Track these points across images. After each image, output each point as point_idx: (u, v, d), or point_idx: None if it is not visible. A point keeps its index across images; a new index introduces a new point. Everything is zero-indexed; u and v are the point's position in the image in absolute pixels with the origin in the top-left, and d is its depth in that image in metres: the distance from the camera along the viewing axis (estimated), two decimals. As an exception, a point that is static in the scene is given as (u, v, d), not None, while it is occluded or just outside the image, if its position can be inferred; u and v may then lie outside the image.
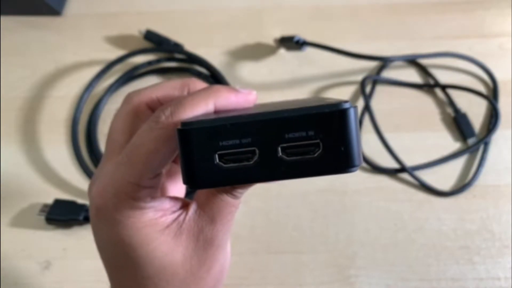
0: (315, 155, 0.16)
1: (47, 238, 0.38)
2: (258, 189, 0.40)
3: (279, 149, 0.16)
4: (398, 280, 0.36)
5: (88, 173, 0.39)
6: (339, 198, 0.40)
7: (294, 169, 0.16)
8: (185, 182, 0.17)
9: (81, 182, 0.40)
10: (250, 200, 0.39)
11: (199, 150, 0.16)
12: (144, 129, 0.19)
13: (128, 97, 0.23)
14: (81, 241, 0.38)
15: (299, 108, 0.16)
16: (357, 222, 0.38)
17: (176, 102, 0.19)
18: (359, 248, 0.37)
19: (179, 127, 0.16)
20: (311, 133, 0.15)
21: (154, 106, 0.23)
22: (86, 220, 0.38)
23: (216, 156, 0.16)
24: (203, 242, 0.21)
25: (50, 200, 0.38)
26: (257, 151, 0.16)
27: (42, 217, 0.37)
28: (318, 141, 0.15)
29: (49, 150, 0.42)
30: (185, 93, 0.23)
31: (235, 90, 0.20)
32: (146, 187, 0.20)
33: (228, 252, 0.24)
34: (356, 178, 0.40)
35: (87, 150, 0.42)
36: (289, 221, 0.38)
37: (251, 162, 0.16)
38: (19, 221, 0.39)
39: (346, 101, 0.15)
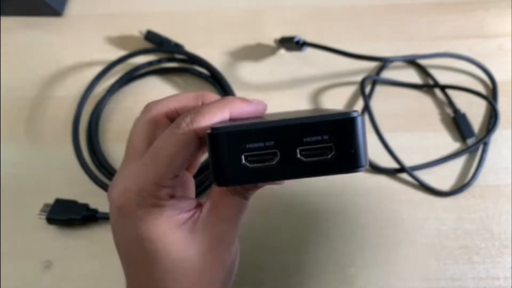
0: (329, 156, 0.18)
1: (48, 237, 0.38)
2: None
3: (298, 151, 0.18)
4: (398, 279, 0.36)
5: (89, 173, 0.39)
6: (338, 198, 0.40)
7: (310, 169, 0.18)
8: (214, 180, 0.18)
9: (82, 182, 0.40)
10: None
11: (228, 152, 0.18)
12: (166, 134, 0.21)
13: (147, 107, 0.25)
14: (82, 241, 0.38)
15: (316, 116, 0.18)
16: (356, 221, 0.39)
17: (195, 111, 0.21)
18: (358, 248, 0.37)
19: (209, 131, 0.18)
20: (326, 137, 0.18)
21: (172, 116, 0.25)
22: (87, 219, 0.38)
23: (243, 157, 0.18)
24: (216, 238, 0.23)
25: (51, 200, 0.38)
26: (278, 153, 0.18)
27: (43, 217, 0.37)
28: (331, 144, 0.18)
29: (50, 150, 0.42)
30: (200, 103, 0.25)
31: (247, 100, 0.22)
32: (166, 187, 0.22)
33: (238, 249, 0.26)
34: (356, 178, 0.41)
35: (88, 150, 0.42)
36: (289, 220, 0.39)
37: (273, 163, 0.18)
38: (20, 220, 0.39)
39: (355, 111, 0.18)
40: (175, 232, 0.22)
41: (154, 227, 0.22)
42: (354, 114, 0.17)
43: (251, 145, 0.18)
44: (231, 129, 0.18)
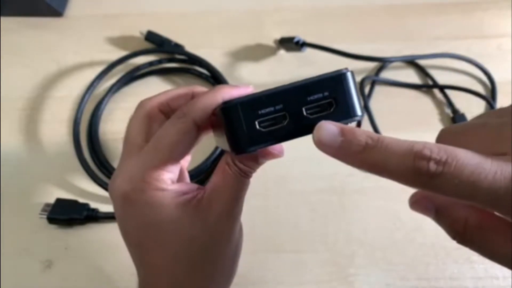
0: (331, 110, 0.20)
1: (49, 237, 0.38)
2: (258, 188, 0.40)
3: (304, 110, 0.20)
4: (397, 279, 0.36)
5: (89, 172, 0.40)
6: (338, 197, 0.40)
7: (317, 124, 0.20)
8: (233, 149, 0.20)
9: (83, 181, 0.40)
10: (250, 200, 0.39)
11: (243, 120, 0.20)
12: (167, 124, 0.23)
13: (141, 104, 0.27)
14: (83, 240, 0.38)
15: (314, 76, 0.20)
16: (356, 221, 0.39)
17: (192, 101, 0.23)
18: (358, 247, 0.37)
19: (221, 106, 0.20)
20: (326, 93, 0.20)
21: (164, 109, 0.27)
22: (88, 219, 0.38)
23: (257, 123, 0.20)
24: (221, 215, 0.24)
25: (51, 200, 0.38)
26: (287, 115, 0.20)
27: (44, 217, 0.37)
28: (331, 100, 0.20)
29: (51, 150, 0.43)
30: (190, 93, 0.27)
31: (235, 86, 0.24)
32: (169, 172, 0.23)
33: (241, 227, 0.27)
34: (355, 178, 0.41)
35: (88, 150, 0.42)
36: (288, 220, 0.39)
37: (285, 124, 0.20)
38: (21, 220, 0.39)
39: (345, 68, 0.20)
40: (181, 212, 0.23)
41: (160, 210, 0.23)
42: (344, 71, 0.20)
43: (262, 111, 0.20)
44: (243, 100, 0.20)
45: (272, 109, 0.20)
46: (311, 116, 0.20)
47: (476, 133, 0.18)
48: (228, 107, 0.20)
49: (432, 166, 0.16)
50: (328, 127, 0.18)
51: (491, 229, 0.18)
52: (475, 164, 0.16)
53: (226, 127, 0.20)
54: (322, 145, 0.18)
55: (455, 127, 0.20)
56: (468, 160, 0.16)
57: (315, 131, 0.19)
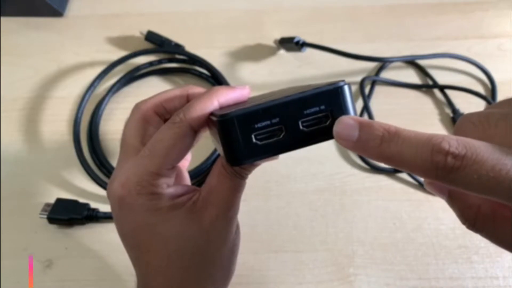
0: (327, 123, 0.20)
1: (49, 237, 0.38)
2: (258, 188, 0.40)
3: (300, 123, 0.20)
4: (397, 279, 0.36)
5: (90, 172, 0.40)
6: (338, 197, 0.40)
7: (312, 137, 0.20)
8: (228, 161, 0.20)
9: (83, 181, 0.40)
10: (250, 200, 0.39)
11: (239, 134, 0.19)
12: (163, 128, 0.23)
13: (136, 106, 0.27)
14: (83, 240, 0.38)
15: (311, 90, 0.20)
16: (356, 221, 0.39)
17: (187, 105, 0.23)
18: (358, 247, 0.38)
19: (218, 118, 0.20)
20: (322, 107, 0.20)
21: (160, 112, 0.27)
22: (88, 219, 0.38)
23: (253, 136, 0.19)
24: (216, 216, 0.24)
25: (52, 200, 0.38)
26: (283, 128, 0.20)
27: (44, 217, 0.37)
28: (327, 113, 0.20)
29: (51, 150, 0.43)
30: (185, 94, 0.27)
31: (232, 88, 0.24)
32: (164, 176, 0.23)
33: (239, 229, 0.27)
34: (355, 178, 0.41)
35: (89, 150, 0.42)
36: (289, 220, 0.39)
37: (280, 137, 0.20)
38: (21, 220, 0.39)
39: (342, 80, 0.20)
40: (176, 215, 0.23)
41: (156, 213, 0.23)
42: (341, 83, 0.20)
43: (259, 125, 0.19)
44: (239, 113, 0.19)
45: (268, 122, 0.19)
46: (306, 129, 0.20)
47: (498, 125, 0.17)
48: (225, 120, 0.19)
49: (450, 160, 0.15)
50: (346, 121, 0.18)
51: (504, 218, 0.18)
52: (496, 159, 0.15)
53: (222, 139, 0.20)
54: (340, 139, 0.18)
55: (477, 116, 0.19)
56: (488, 155, 0.15)
57: (335, 125, 0.19)
